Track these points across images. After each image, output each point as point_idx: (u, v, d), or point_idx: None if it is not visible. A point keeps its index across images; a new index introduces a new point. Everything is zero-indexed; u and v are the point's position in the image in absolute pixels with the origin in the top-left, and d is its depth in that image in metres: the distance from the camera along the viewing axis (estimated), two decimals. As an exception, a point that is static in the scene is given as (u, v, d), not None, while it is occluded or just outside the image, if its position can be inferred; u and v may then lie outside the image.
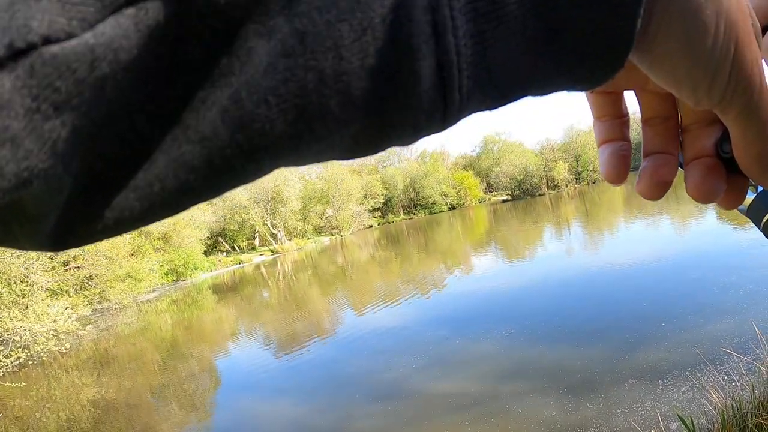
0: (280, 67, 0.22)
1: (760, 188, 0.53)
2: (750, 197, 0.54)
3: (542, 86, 0.28)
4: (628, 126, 0.49)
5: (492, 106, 0.28)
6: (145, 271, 39.10)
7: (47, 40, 0.19)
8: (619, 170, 0.48)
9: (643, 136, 0.47)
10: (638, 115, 0.45)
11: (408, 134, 0.27)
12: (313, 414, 8.97)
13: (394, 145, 0.29)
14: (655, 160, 0.46)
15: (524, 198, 78.03)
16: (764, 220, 0.52)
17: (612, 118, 0.49)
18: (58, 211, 0.22)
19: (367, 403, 8.75)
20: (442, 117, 0.26)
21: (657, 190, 0.45)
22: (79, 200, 0.22)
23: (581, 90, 0.31)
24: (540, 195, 76.82)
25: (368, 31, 0.22)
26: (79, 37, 0.20)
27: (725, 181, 0.43)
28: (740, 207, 0.51)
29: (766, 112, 0.32)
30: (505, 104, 0.28)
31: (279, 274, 39.66)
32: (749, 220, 0.52)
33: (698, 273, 12.74)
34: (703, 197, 0.44)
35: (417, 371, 9.74)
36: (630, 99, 0.48)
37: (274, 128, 0.22)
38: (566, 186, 77.99)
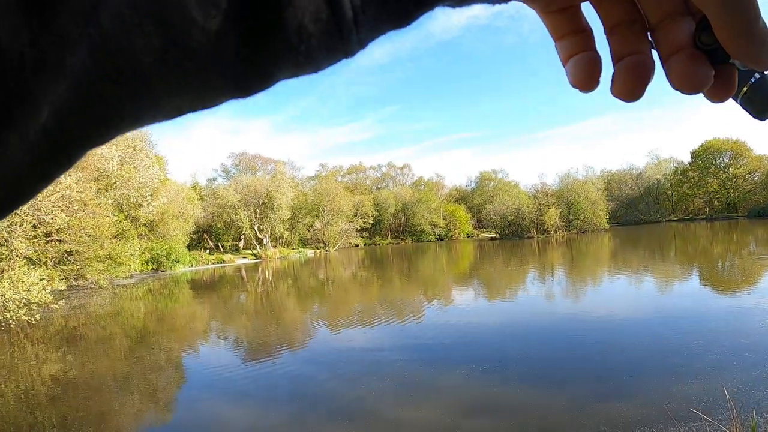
0: None
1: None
2: None
3: None
4: (593, 39, 0.46)
5: (400, 22, 0.26)
6: (126, 256, 38.91)
7: None
8: (590, 73, 0.44)
9: (611, 47, 0.44)
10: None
11: (302, 58, 0.25)
12: (274, 425, 8.86)
13: (290, 72, 0.27)
14: (629, 59, 0.43)
15: (512, 238, 78.10)
16: (743, 92, 0.52)
17: (573, 34, 0.46)
18: None
19: (330, 422, 8.64)
20: (339, 37, 0.24)
21: (635, 84, 0.42)
22: None
23: None
24: (528, 237, 76.97)
25: None
26: None
27: (711, 68, 0.41)
28: None
29: None
30: (415, 18, 0.26)
31: (259, 279, 39.48)
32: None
33: (675, 333, 12.76)
34: (691, 85, 0.41)
35: (384, 396, 9.66)
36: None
37: (133, 44, 0.20)
38: (555, 232, 78.16)
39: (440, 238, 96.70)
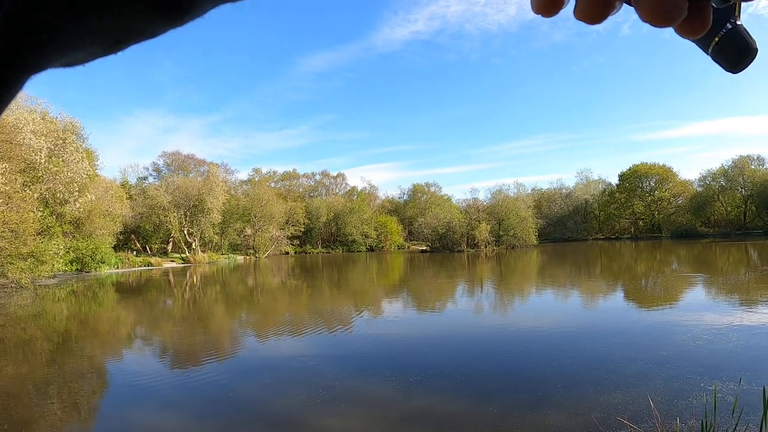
0: None
1: None
2: None
3: None
4: None
5: None
6: (49, 254, 37.75)
7: None
8: None
9: None
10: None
11: None
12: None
13: None
14: None
15: (443, 251, 78.91)
16: (715, 42, 0.47)
17: None
18: None
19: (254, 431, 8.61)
20: None
21: (596, 6, 0.40)
22: None
23: None
24: (458, 251, 77.84)
25: None
26: None
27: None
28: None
29: None
30: None
31: (186, 284, 38.87)
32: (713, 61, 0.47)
33: (600, 346, 13.19)
34: (662, 17, 0.39)
35: (313, 406, 9.63)
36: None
37: None
38: (485, 246, 79.32)
39: (371, 249, 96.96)
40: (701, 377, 10.13)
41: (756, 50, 0.48)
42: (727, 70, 0.49)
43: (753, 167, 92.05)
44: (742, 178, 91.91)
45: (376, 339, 15.63)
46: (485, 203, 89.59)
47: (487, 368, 11.82)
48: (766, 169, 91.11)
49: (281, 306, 25.91)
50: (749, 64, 0.50)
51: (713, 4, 0.44)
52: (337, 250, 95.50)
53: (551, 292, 26.20)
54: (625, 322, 16.62)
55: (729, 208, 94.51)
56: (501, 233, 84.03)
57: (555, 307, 21.18)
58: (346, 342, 15.46)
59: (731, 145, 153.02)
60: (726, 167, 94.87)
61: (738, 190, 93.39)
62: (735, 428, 5.16)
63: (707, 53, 0.48)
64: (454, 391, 10.24)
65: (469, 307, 22.20)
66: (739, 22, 0.48)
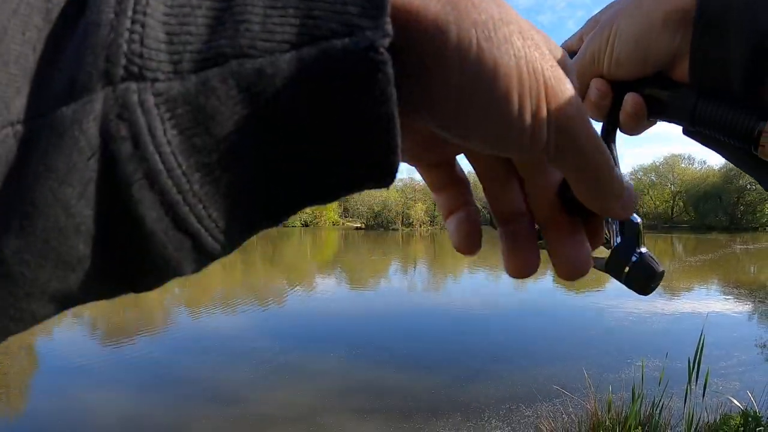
0: None
1: (615, 242, 0.53)
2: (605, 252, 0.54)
3: (317, 196, 0.26)
4: (470, 191, 0.44)
5: (272, 218, 0.26)
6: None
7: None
8: (471, 238, 0.42)
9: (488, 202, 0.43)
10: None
11: (165, 272, 0.26)
12: (144, 412, 8.59)
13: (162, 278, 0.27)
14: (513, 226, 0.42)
15: (378, 229, 79.17)
16: (625, 272, 0.53)
17: (451, 186, 0.43)
18: None
19: (194, 407, 8.51)
20: (197, 248, 0.25)
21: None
22: None
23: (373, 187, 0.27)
24: (393, 230, 78.23)
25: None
26: None
27: (588, 247, 0.39)
28: (596, 263, 0.53)
29: (593, 151, 0.30)
30: (293, 211, 0.27)
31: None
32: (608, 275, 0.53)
33: (532, 324, 13.70)
34: (576, 270, 0.40)
35: (248, 381, 9.59)
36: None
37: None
38: (420, 226, 79.80)
39: (305, 224, 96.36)
40: (628, 354, 10.56)
41: (663, 272, 0.53)
42: (638, 294, 0.55)
43: (683, 165, 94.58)
44: (672, 175, 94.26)
45: (309, 315, 15.66)
46: (421, 183, 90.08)
47: (425, 344, 12.01)
48: (695, 168, 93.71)
49: (212, 280, 25.56)
50: (657, 285, 0.53)
51: (618, 240, 0.52)
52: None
53: (483, 273, 26.61)
54: (554, 303, 17.23)
55: (657, 203, 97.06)
56: (436, 214, 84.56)
57: (488, 287, 21.64)
58: (278, 317, 15.44)
59: (663, 143, 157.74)
60: (657, 164, 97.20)
61: (667, 186, 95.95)
62: (662, 396, 5.47)
63: (621, 281, 0.53)
64: (394, 365, 10.39)
65: (402, 285, 22.47)
66: (643, 250, 0.52)
